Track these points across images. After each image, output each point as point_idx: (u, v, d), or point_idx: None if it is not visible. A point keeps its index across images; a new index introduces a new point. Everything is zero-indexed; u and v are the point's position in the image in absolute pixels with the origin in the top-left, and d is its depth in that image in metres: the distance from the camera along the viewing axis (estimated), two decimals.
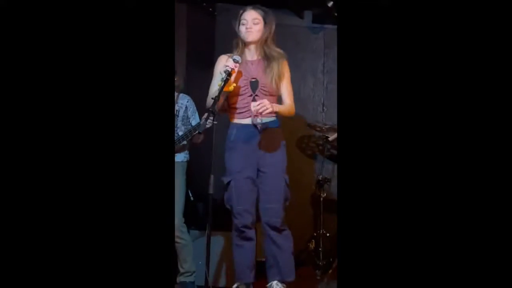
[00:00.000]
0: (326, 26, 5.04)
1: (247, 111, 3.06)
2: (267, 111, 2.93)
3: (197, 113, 3.73)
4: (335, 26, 4.92)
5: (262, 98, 3.01)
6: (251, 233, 3.10)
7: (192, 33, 4.56)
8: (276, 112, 3.06)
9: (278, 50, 3.15)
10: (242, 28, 3.08)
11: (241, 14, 3.11)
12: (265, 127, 3.06)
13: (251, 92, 3.07)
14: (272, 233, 3.08)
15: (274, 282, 3.07)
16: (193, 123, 3.64)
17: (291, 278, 3.09)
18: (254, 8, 3.11)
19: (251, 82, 3.07)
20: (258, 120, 2.99)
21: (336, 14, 4.61)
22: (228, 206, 3.13)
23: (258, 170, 3.10)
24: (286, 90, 3.15)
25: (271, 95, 3.06)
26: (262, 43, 3.11)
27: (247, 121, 3.07)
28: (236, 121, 3.13)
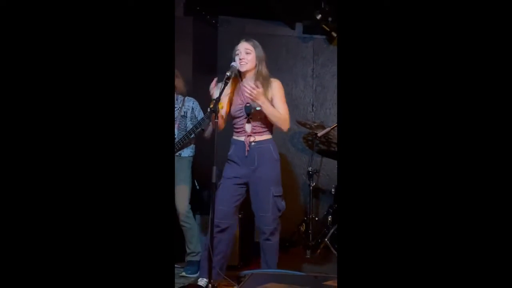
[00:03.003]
0: (315, 36, 5.05)
1: (243, 131, 3.14)
2: (253, 94, 2.95)
3: (202, 111, 3.75)
4: (323, 36, 4.95)
5: (255, 121, 3.10)
6: (222, 233, 3.14)
7: (197, 42, 4.53)
8: (262, 108, 3.02)
9: (272, 79, 3.16)
10: (237, 59, 3.09)
11: (236, 46, 3.13)
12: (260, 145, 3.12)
13: (246, 115, 3.12)
14: (261, 239, 3.18)
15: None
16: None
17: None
18: (246, 40, 3.13)
19: (245, 106, 3.11)
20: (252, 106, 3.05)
21: (330, 19, 4.58)
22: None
23: (250, 182, 3.15)
24: (277, 106, 3.11)
25: (264, 117, 3.10)
26: (257, 73, 3.12)
27: (243, 138, 3.13)
28: (235, 137, 3.19)
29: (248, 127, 3.13)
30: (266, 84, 3.11)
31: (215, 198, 2.90)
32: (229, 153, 3.20)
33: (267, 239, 3.14)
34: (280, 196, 3.17)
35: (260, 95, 3.00)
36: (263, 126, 3.13)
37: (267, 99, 3.08)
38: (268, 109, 3.03)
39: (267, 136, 3.16)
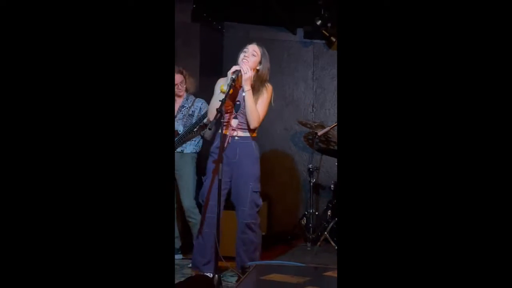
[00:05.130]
0: (315, 41, 5.05)
1: (229, 125, 3.12)
2: (246, 76, 2.96)
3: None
4: (323, 41, 4.96)
5: (241, 117, 3.09)
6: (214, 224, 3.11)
7: (204, 46, 4.57)
8: (246, 94, 3.03)
9: (267, 85, 3.15)
10: (241, 55, 3.08)
11: (247, 45, 3.11)
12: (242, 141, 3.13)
13: (234, 112, 3.12)
14: (239, 230, 3.15)
15: None
16: (205, 120, 3.68)
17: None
18: (258, 44, 3.12)
19: (236, 104, 3.12)
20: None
21: (329, 25, 4.60)
22: (200, 201, 3.20)
23: (232, 176, 3.14)
24: (260, 106, 3.10)
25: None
26: (256, 76, 3.10)
27: (227, 132, 3.11)
28: (222, 131, 3.15)
29: (234, 122, 3.12)
30: (261, 89, 3.10)
31: (220, 194, 2.91)
32: (213, 146, 3.18)
33: (243, 232, 3.12)
34: (258, 192, 3.14)
35: (248, 80, 2.98)
36: (247, 123, 3.11)
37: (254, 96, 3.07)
38: (249, 99, 3.02)
39: (250, 134, 3.15)
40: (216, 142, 3.14)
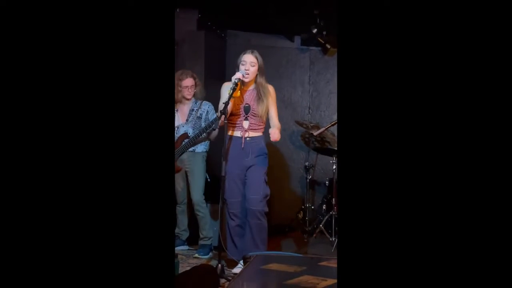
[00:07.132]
0: (311, 47, 5.09)
1: (240, 126, 3.20)
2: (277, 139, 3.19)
3: (215, 114, 3.80)
4: (319, 48, 5.00)
5: (252, 119, 3.19)
6: (238, 218, 3.24)
7: (208, 52, 4.60)
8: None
9: (268, 86, 3.25)
10: (242, 68, 3.14)
11: (242, 56, 3.17)
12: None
13: (244, 114, 3.19)
14: (250, 218, 3.21)
15: None
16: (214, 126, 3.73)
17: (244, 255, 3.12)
18: (252, 52, 3.17)
19: (244, 106, 3.19)
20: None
21: (324, 33, 4.63)
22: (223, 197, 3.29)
23: (246, 171, 3.23)
24: (273, 113, 3.27)
25: (257, 116, 3.20)
26: (257, 82, 3.21)
27: (239, 134, 3.21)
28: (231, 133, 3.24)
29: (245, 123, 3.20)
30: (265, 91, 3.20)
31: (225, 190, 3.03)
32: (227, 148, 3.23)
33: (258, 219, 3.19)
34: (266, 182, 3.26)
35: (279, 136, 3.17)
36: (257, 124, 3.22)
37: (266, 106, 3.19)
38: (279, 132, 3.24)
39: (259, 133, 3.25)
40: (230, 144, 3.22)
